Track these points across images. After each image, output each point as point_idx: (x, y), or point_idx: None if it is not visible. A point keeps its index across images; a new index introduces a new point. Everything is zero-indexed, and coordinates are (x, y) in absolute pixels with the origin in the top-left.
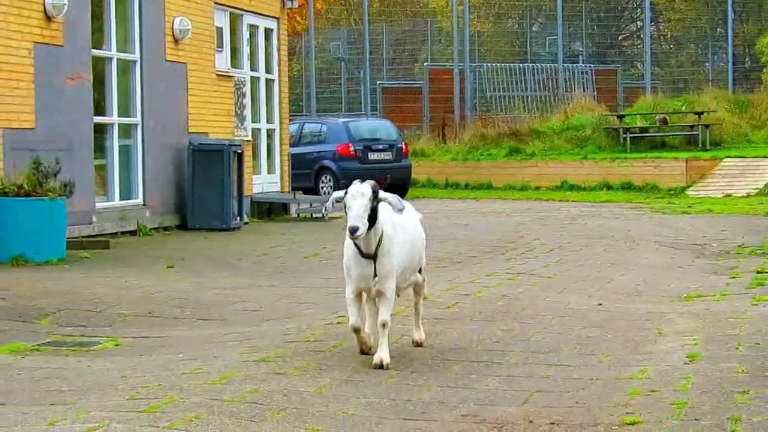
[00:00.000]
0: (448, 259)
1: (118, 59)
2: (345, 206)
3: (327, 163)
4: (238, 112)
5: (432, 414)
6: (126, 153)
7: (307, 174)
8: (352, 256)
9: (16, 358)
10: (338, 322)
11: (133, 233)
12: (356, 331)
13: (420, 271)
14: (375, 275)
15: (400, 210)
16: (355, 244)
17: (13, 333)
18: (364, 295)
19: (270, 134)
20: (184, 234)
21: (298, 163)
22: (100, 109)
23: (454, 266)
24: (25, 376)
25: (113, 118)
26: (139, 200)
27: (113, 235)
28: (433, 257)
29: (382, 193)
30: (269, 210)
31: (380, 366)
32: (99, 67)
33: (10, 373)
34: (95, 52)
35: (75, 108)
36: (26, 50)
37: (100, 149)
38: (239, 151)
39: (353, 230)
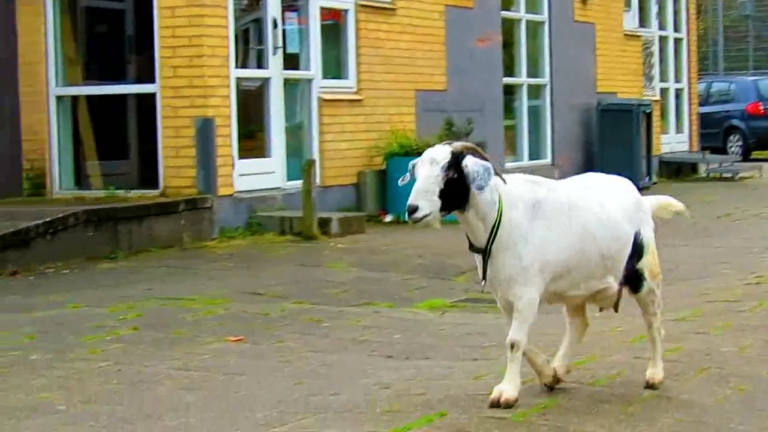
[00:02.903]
0: None
1: (527, 20)
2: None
3: (735, 122)
4: (646, 71)
5: None
6: (534, 113)
7: (715, 134)
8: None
9: (436, 314)
10: (757, 283)
11: None
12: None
13: (639, 280)
14: (483, 278)
15: (480, 188)
16: (466, 234)
17: (432, 290)
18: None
19: (678, 94)
20: None
21: (705, 122)
22: (509, 70)
23: None
24: (447, 332)
25: (522, 79)
26: (548, 160)
27: None
28: None
29: (471, 161)
30: (677, 170)
31: (497, 404)
32: (508, 28)
33: (431, 329)
34: (504, 13)
35: (485, 69)
36: (438, 13)
37: (509, 110)
38: (648, 111)
39: (410, 211)
